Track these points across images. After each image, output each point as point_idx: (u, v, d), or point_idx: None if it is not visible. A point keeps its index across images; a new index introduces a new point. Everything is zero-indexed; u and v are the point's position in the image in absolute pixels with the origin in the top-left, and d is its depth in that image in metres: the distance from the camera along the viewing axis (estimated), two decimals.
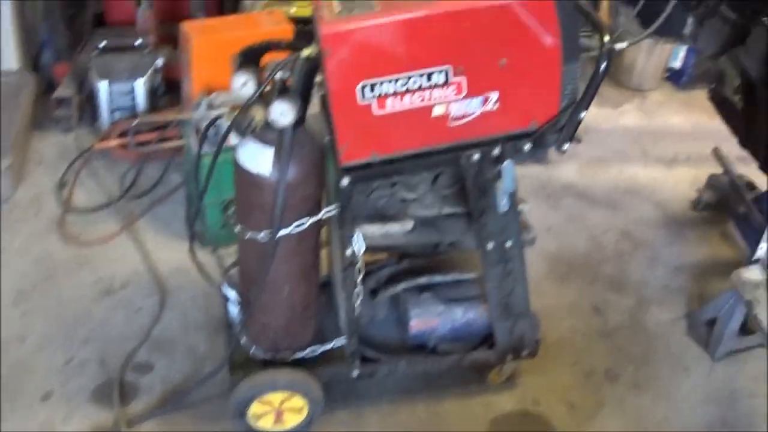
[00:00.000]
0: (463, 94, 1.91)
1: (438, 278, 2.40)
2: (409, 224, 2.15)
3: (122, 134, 3.41)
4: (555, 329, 2.75)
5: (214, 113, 2.76)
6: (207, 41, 2.82)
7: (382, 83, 1.85)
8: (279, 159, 1.98)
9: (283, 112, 1.89)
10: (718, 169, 3.33)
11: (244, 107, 1.90)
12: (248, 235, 2.12)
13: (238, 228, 2.16)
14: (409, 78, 1.86)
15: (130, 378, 2.54)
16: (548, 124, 2.00)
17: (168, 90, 3.70)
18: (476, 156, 2.01)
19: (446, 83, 1.88)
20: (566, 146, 2.03)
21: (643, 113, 4.18)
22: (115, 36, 3.68)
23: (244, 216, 2.14)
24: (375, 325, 2.48)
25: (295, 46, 2.05)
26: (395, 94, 1.87)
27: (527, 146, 2.02)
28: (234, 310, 2.44)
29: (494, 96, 1.93)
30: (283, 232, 2.07)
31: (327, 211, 2.08)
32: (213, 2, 3.88)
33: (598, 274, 3.02)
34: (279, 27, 2.89)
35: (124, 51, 3.58)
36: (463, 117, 1.94)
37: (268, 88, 1.92)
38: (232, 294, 2.42)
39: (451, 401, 2.52)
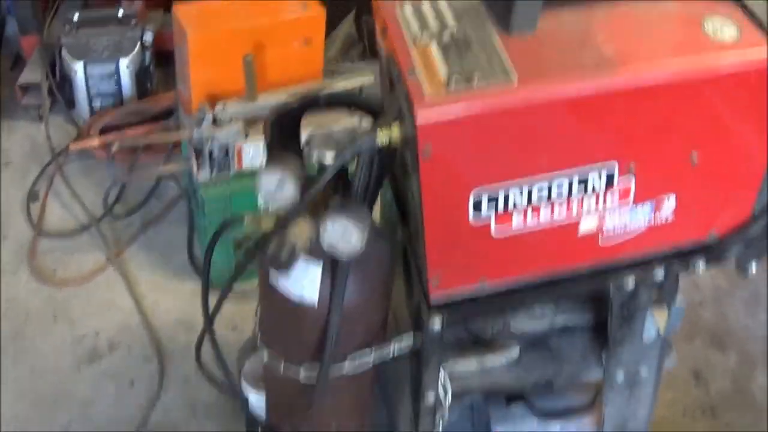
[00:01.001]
0: (629, 200, 1.13)
1: None
2: (514, 351, 1.39)
3: (105, 129, 2.56)
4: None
5: (222, 132, 1.96)
6: (208, 36, 1.96)
7: (509, 192, 1.06)
8: (333, 284, 1.20)
9: (345, 235, 1.09)
10: None
11: (282, 226, 1.09)
12: (283, 368, 1.35)
13: (265, 355, 1.39)
14: (554, 182, 1.07)
15: None
16: (735, 234, 1.22)
17: (160, 63, 2.82)
18: (631, 282, 1.24)
19: (608, 187, 1.09)
20: (754, 266, 1.26)
21: None
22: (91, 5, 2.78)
23: (276, 341, 1.37)
24: None
25: (353, 100, 1.24)
26: (529, 206, 1.08)
27: (701, 265, 1.25)
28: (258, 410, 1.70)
29: (670, 201, 1.15)
30: (334, 372, 1.31)
31: (400, 347, 1.31)
32: None
33: (698, 324, 2.28)
34: (307, 13, 2.02)
35: (104, 24, 2.68)
36: (622, 231, 1.17)
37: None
38: (254, 398, 1.67)
39: None
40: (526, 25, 1.03)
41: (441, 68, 1.00)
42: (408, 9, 1.11)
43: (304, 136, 1.21)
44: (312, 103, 1.19)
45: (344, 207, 1.10)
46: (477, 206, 1.06)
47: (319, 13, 2.02)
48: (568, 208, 1.10)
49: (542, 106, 0.98)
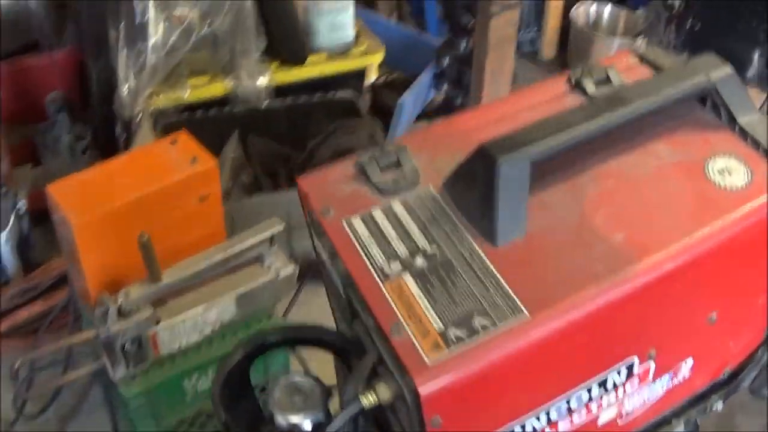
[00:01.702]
0: (648, 381, 0.93)
1: None
2: None
3: None
4: None
5: (131, 323, 1.64)
6: (94, 220, 1.62)
7: (526, 423, 0.84)
8: None
9: None
10: None
11: None
12: None
13: None
14: (573, 396, 0.85)
15: None
16: (749, 363, 1.06)
17: (38, 222, 2.42)
18: None
19: (628, 378, 0.89)
20: None
21: None
22: None
23: None
24: None
25: (305, 336, 0.98)
26: (548, 425, 0.86)
27: (719, 405, 1.08)
28: None
29: (688, 364, 0.96)
30: None
31: None
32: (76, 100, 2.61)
33: None
34: (198, 167, 1.72)
35: None
36: (641, 407, 0.97)
37: None
38: None
39: None
40: (514, 233, 0.81)
41: (430, 316, 0.76)
42: (359, 226, 0.87)
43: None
44: (258, 351, 0.93)
45: None
46: None
47: (211, 165, 1.72)
48: (588, 411, 0.89)
49: (559, 332, 0.77)
